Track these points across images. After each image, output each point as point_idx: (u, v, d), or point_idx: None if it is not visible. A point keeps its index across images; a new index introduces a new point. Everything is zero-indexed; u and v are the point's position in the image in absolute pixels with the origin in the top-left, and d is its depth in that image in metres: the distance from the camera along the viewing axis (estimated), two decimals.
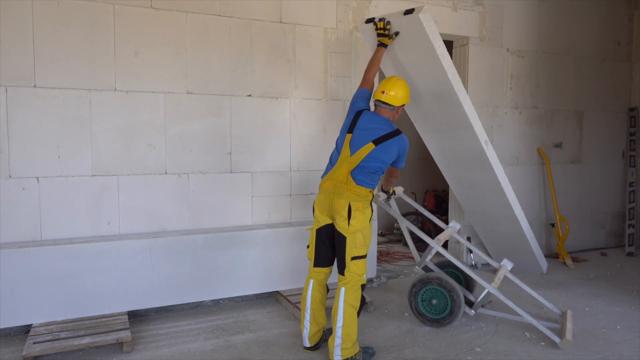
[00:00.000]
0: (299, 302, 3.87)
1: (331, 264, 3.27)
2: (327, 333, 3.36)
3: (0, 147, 3.46)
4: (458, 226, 3.92)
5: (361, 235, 3.07)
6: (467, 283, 3.99)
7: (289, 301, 3.97)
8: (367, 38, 4.09)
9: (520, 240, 4.59)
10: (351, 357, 3.03)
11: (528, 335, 3.58)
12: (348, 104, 4.57)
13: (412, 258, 5.78)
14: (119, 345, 3.31)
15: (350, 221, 3.02)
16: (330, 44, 4.51)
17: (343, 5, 4.54)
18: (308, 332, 3.24)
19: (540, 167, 5.75)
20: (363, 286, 3.15)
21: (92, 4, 3.64)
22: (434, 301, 3.66)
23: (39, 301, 3.44)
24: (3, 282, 3.34)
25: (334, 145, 3.31)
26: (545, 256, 4.97)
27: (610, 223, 6.37)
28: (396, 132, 3.15)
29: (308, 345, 3.27)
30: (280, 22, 4.29)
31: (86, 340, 3.20)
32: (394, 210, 3.92)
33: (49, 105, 3.57)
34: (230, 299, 4.20)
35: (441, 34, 5.02)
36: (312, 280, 3.26)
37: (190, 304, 4.05)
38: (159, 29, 3.85)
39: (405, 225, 4.03)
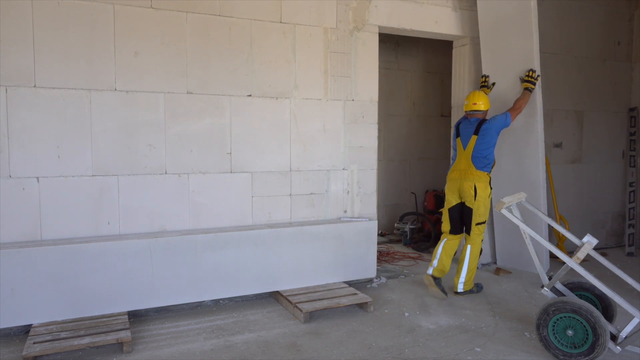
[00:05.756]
0: (299, 302, 3.89)
1: (460, 232, 4.45)
2: (442, 280, 4.46)
3: (0, 147, 3.47)
4: (595, 241, 3.29)
5: (483, 207, 4.29)
6: (605, 309, 3.46)
7: (289, 301, 3.97)
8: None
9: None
10: (469, 289, 4.38)
11: (528, 336, 3.58)
12: (348, 104, 4.59)
13: (413, 258, 5.74)
14: (119, 345, 3.31)
15: (476, 197, 4.23)
16: (330, 44, 4.51)
17: (343, 5, 4.54)
18: (434, 268, 4.35)
19: None
20: (481, 242, 4.41)
21: (92, 4, 3.64)
22: (570, 332, 3.15)
23: (39, 301, 3.45)
24: (3, 282, 3.35)
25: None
26: None
27: (610, 223, 6.37)
28: (484, 118, 4.38)
29: (431, 273, 4.35)
30: (280, 22, 4.29)
31: (86, 340, 3.21)
32: (518, 218, 3.46)
33: (49, 105, 3.57)
34: (230, 299, 4.20)
35: (441, 34, 5.07)
36: (445, 239, 4.44)
37: (190, 304, 4.05)
38: (159, 29, 3.85)
39: (528, 233, 3.45)
